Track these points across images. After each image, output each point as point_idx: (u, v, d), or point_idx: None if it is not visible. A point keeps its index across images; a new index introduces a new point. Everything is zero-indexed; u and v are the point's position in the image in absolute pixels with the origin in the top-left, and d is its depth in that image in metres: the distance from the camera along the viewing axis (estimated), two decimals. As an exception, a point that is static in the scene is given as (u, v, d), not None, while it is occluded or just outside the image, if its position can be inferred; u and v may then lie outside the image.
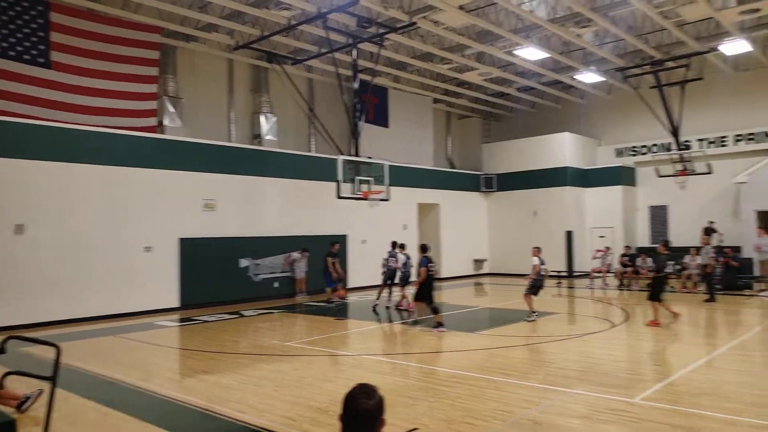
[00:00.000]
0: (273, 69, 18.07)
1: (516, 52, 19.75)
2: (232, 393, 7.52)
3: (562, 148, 25.45)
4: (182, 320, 14.30)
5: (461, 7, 15.67)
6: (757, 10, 16.36)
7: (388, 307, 15.36)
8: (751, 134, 22.75)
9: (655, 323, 12.03)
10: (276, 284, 18.24)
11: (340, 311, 15.67)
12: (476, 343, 10.77)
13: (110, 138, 15.06)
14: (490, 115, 29.74)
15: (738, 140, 23.06)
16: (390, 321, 13.82)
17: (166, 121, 17.23)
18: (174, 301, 15.95)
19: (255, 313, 15.17)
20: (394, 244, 15.81)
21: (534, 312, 12.97)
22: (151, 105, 16.91)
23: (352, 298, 18.42)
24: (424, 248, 12.78)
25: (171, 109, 17.40)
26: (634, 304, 15.73)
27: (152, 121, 16.87)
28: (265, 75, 20.13)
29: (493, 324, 13.78)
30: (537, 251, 13.33)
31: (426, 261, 12.28)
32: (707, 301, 15.61)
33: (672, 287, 18.75)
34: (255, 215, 18.03)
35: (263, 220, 18.22)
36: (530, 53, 19.71)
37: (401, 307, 15.07)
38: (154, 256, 15.56)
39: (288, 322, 14.08)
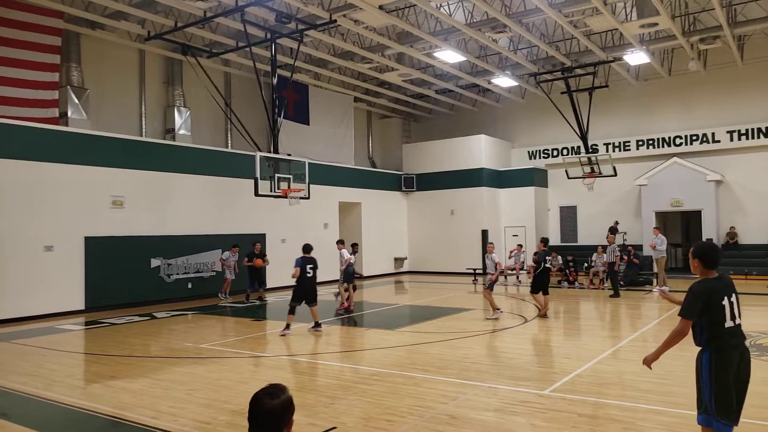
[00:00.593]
0: (187, 61, 17.39)
1: (435, 55, 20.12)
2: (142, 398, 7.16)
3: (479, 150, 26.20)
4: (88, 323, 13.50)
5: (381, 7, 15.75)
6: (655, 24, 17.51)
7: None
8: (651, 140, 24.38)
9: (543, 314, 13.02)
10: (190, 285, 17.60)
11: (255, 311, 15.33)
12: (396, 340, 10.84)
13: (7, 129, 13.98)
14: (410, 115, 30.14)
15: (640, 145, 24.64)
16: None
17: (69, 113, 16.20)
18: (79, 303, 15.02)
19: (167, 315, 14.56)
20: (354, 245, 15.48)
21: (498, 309, 13.02)
22: (53, 95, 15.85)
23: (271, 298, 18.08)
24: (545, 241, 14.10)
25: (75, 100, 16.38)
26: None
27: (54, 112, 15.82)
28: (179, 67, 19.36)
29: (412, 321, 13.95)
30: (492, 247, 13.74)
31: (544, 254, 13.36)
32: (612, 296, 16.52)
33: (581, 283, 19.78)
34: (167, 213, 17.29)
35: (176, 219, 17.50)
36: (448, 56, 20.14)
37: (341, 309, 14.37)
38: (56, 256, 14.59)
39: (203, 324, 13.61)
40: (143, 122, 18.74)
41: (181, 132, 19.09)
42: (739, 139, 22.65)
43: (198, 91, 19.37)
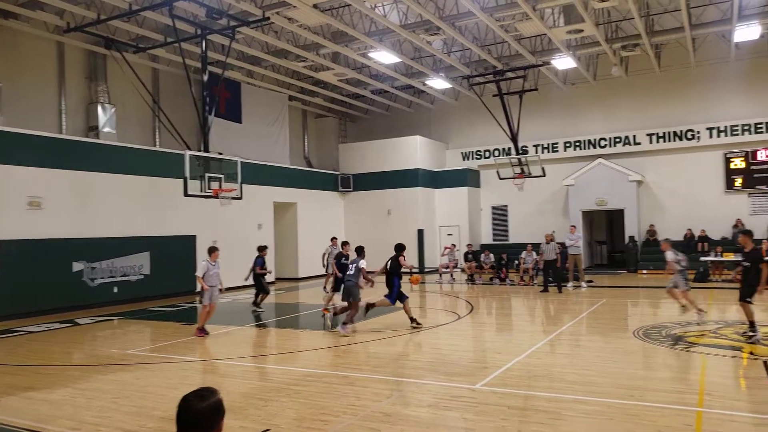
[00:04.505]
0: (112, 56, 16.66)
1: (370, 55, 20.18)
2: (63, 409, 6.80)
3: (414, 151, 26.48)
4: (1, 332, 12.68)
5: (315, 6, 15.65)
6: (580, 31, 18.24)
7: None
8: (578, 141, 25.38)
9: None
10: (116, 289, 16.84)
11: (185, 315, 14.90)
12: (331, 340, 10.77)
13: None
14: (346, 115, 30.10)
15: (567, 147, 25.60)
16: (246, 323, 13.39)
17: (-19, 108, 15.20)
18: (-9, 311, 14.09)
19: (91, 321, 13.89)
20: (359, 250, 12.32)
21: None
22: (-37, 89, 14.82)
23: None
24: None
25: (-13, 94, 15.39)
26: (478, 296, 16.74)
27: (-37, 107, 14.80)
28: (102, 62, 18.52)
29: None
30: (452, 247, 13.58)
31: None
32: (542, 291, 17.11)
33: (512, 280, 20.33)
34: (90, 214, 16.48)
35: (101, 220, 16.70)
36: (383, 57, 20.26)
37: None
38: (-33, 261, 13.64)
39: (130, 330, 13.08)
40: (63, 119, 17.80)
41: (106, 130, 18.27)
42: (658, 141, 23.93)
43: (124, 88, 18.57)
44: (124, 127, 19.33)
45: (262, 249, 15.09)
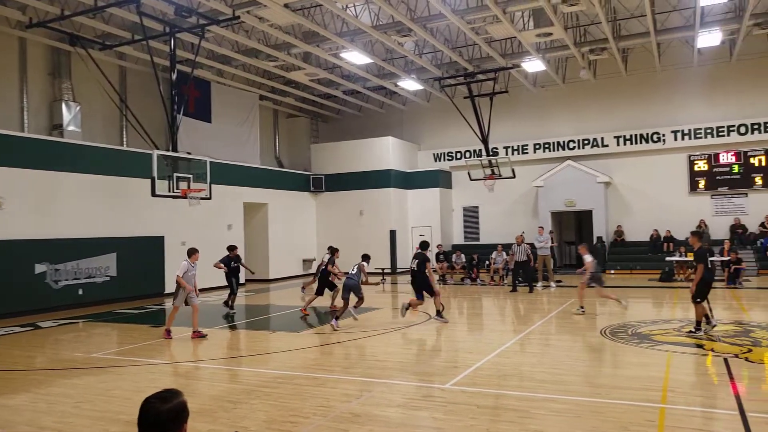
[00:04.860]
0: (77, 53, 16.30)
1: (342, 55, 20.13)
2: (22, 414, 6.60)
3: (386, 152, 26.51)
4: (-40, 337, 12.29)
5: (286, 6, 15.55)
6: (549, 34, 18.49)
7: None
8: (547, 143, 25.73)
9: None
10: (81, 291, 16.46)
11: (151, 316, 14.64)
12: (301, 342, 10.71)
13: None
14: (318, 115, 29.97)
15: (537, 148, 25.93)
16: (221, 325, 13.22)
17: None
18: (-51, 315, 13.65)
19: (55, 324, 13.54)
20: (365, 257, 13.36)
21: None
22: None
23: (168, 304, 17.28)
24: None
25: (-54, 91, 14.89)
26: (450, 296, 16.81)
27: None
28: (66, 59, 18.06)
29: (320, 322, 13.82)
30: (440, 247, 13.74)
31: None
32: (511, 291, 17.30)
33: (483, 280, 20.49)
34: (54, 215, 16.07)
35: (65, 221, 16.31)
36: (355, 57, 20.23)
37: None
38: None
39: (95, 332, 12.79)
40: (25, 117, 17.31)
41: (70, 128, 17.84)
42: (625, 144, 24.41)
43: (89, 85, 18.17)
44: (90, 125, 18.91)
45: (233, 249, 14.96)
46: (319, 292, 13.98)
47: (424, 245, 13.30)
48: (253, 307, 16.69)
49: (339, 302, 13.38)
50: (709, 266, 9.97)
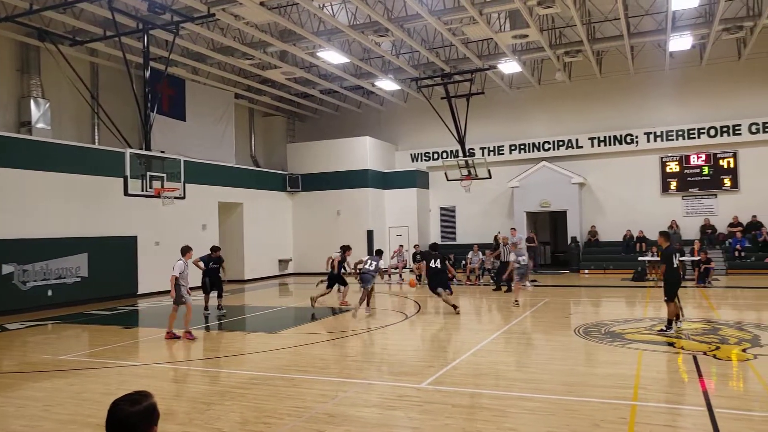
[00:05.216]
0: (46, 48, 15.94)
1: (318, 54, 20.03)
2: (-12, 419, 6.44)
3: (364, 152, 26.47)
4: (-77, 339, 11.93)
5: (262, 4, 15.42)
6: (525, 36, 18.66)
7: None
8: (523, 144, 25.95)
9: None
10: (50, 292, 16.09)
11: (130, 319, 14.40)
12: (277, 343, 10.62)
13: None
14: (294, 114, 29.79)
15: (513, 149, 26.14)
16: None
17: None
18: None
19: (22, 326, 13.22)
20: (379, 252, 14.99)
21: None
22: None
23: (143, 304, 17.06)
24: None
25: None
26: (426, 296, 16.84)
27: None
28: (36, 54, 17.61)
29: (297, 322, 13.74)
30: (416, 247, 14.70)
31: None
32: (495, 290, 17.73)
33: (459, 280, 20.58)
34: (23, 214, 15.69)
35: (34, 220, 15.92)
36: (332, 56, 20.15)
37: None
38: None
39: (65, 334, 12.53)
40: (-7, 114, 16.92)
41: (39, 125, 17.43)
42: (599, 145, 24.74)
43: (59, 82, 17.80)
44: (60, 123, 18.51)
45: (215, 249, 14.72)
46: (330, 287, 15.12)
47: (435, 246, 15.31)
48: (228, 309, 16.51)
49: (349, 298, 15.39)
50: (674, 266, 10.17)
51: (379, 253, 14.71)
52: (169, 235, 19.45)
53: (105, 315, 14.96)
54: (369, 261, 13.86)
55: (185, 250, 11.29)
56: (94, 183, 17.50)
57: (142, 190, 13.87)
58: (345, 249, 14.97)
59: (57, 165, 16.66)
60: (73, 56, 17.22)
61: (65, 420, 6.31)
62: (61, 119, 18.58)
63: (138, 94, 15.08)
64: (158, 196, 14.35)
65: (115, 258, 17.86)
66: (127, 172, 13.38)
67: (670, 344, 9.24)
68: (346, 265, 15.02)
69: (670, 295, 10.08)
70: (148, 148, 14.43)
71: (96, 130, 19.74)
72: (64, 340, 11.96)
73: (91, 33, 16.93)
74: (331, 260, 15.12)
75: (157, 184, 14.18)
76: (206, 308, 14.53)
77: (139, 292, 18.61)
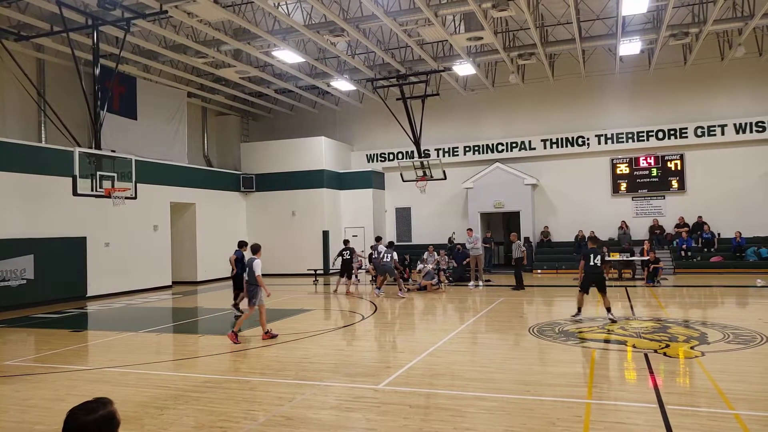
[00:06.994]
0: (-10, 43, 15.27)
1: (273, 54, 19.86)
2: (-75, 430, 6.14)
3: (319, 152, 26.35)
4: None
5: (216, 1, 15.19)
6: (480, 38, 18.94)
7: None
8: (477, 146, 26.34)
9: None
10: (-7, 296, 15.44)
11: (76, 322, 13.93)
12: (233, 345, 10.47)
13: None
14: (248, 114, 29.42)
15: (467, 151, 26.50)
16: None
17: None
18: None
19: (-37, 332, 12.65)
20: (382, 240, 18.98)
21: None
22: None
23: (93, 307, 16.55)
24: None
25: None
26: (382, 297, 16.92)
27: None
28: (-22, 49, 16.92)
29: (251, 324, 13.57)
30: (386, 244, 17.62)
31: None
32: (477, 287, 18.50)
33: (414, 280, 20.70)
34: (-36, 215, 15.03)
35: (-24, 221, 15.28)
36: (287, 56, 20.00)
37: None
38: None
39: (10, 339, 12.03)
40: (-69, 110, 16.11)
41: (-18, 123, 16.72)
42: (551, 147, 25.34)
43: (4, 78, 17.10)
44: (4, 120, 17.80)
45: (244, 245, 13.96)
46: (342, 274, 18.53)
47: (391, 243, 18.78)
48: (181, 311, 16.20)
49: (353, 288, 18.80)
50: (591, 264, 11.51)
51: (391, 244, 18.15)
52: (120, 236, 18.94)
53: (52, 318, 14.45)
54: (385, 254, 16.98)
55: (256, 249, 10.88)
56: (40, 182, 16.87)
57: (92, 190, 13.44)
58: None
59: (1, 164, 15.99)
60: (18, 52, 16.55)
61: (10, 428, 6.09)
62: (5, 117, 17.85)
63: (87, 91, 14.60)
64: (109, 197, 13.94)
65: (63, 259, 17.27)
66: (76, 172, 12.94)
67: (622, 343, 9.54)
68: (361, 260, 18.63)
69: (583, 287, 11.67)
70: (98, 147, 14.00)
71: (43, 128, 19.05)
72: (8, 344, 11.49)
73: (37, 28, 16.31)
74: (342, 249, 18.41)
75: (107, 184, 13.76)
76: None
77: (88, 295, 18.04)
